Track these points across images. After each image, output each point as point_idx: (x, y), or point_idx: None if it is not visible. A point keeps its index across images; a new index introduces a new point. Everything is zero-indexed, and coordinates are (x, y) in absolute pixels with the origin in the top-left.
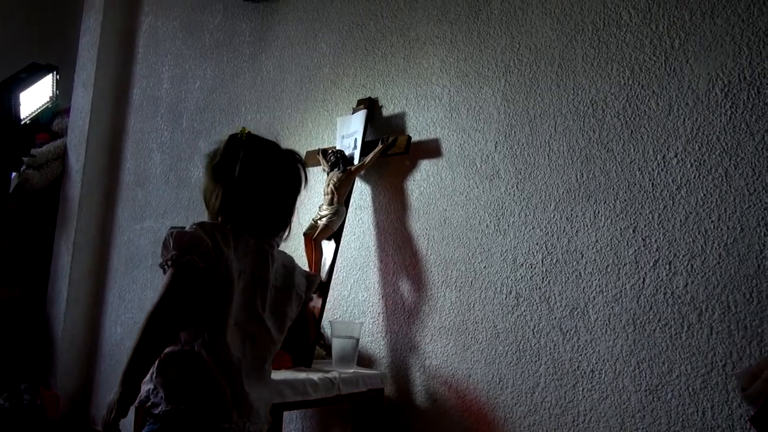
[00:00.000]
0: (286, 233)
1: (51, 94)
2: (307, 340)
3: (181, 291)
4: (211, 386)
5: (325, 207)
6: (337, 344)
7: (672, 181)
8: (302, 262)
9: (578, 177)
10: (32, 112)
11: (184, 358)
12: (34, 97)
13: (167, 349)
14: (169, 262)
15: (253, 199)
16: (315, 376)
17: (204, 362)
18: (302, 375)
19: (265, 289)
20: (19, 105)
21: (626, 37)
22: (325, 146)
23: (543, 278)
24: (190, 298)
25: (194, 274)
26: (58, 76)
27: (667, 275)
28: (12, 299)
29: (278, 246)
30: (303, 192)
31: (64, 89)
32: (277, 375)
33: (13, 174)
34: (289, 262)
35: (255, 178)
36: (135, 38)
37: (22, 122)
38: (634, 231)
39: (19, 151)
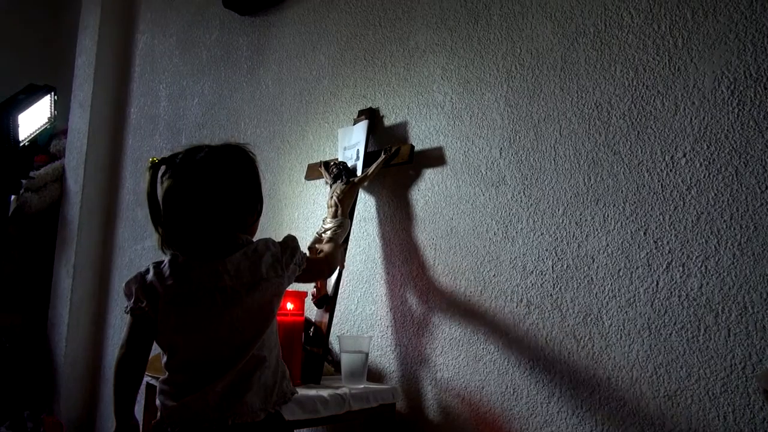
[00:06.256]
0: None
1: (49, 115)
2: None
3: None
4: None
5: (329, 220)
6: (346, 359)
7: (681, 182)
8: None
9: (586, 181)
10: (31, 134)
11: None
12: (33, 119)
13: None
14: None
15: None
16: (325, 392)
17: None
18: (312, 392)
19: None
20: (18, 127)
21: (628, 38)
22: (327, 158)
23: (554, 285)
24: None
25: None
26: (56, 97)
27: (681, 277)
28: (12, 324)
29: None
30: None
31: (61, 110)
32: None
33: (12, 197)
34: None
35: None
36: (131, 57)
37: (21, 144)
38: (645, 233)
39: (18, 173)
